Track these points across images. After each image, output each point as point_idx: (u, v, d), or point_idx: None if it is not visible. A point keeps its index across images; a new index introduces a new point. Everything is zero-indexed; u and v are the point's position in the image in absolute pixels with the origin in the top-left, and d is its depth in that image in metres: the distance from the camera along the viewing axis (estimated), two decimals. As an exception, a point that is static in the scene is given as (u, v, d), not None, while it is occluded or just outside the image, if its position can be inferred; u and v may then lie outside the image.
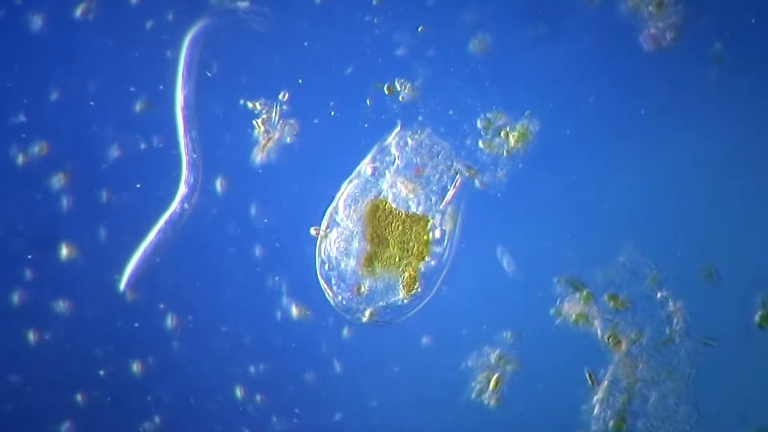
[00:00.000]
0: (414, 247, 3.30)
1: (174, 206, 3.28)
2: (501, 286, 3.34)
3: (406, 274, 3.30)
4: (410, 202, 3.31)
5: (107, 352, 3.33)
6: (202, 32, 3.25)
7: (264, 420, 3.36)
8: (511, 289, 3.33)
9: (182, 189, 3.28)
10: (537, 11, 3.32)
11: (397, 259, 3.30)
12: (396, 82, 3.29)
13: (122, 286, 3.28)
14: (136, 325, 3.32)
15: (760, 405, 3.28)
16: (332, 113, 3.30)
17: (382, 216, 3.31)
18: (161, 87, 3.29)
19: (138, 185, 3.30)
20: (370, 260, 3.30)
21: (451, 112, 3.30)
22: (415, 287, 3.30)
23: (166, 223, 3.28)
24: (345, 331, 3.35)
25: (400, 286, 3.30)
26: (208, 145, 3.32)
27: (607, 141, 3.35)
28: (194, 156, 3.27)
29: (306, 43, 3.31)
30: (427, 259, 3.30)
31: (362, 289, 3.30)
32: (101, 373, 3.32)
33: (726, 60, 3.29)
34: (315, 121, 3.32)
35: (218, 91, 3.32)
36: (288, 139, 3.30)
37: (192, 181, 3.27)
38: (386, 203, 3.31)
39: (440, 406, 3.34)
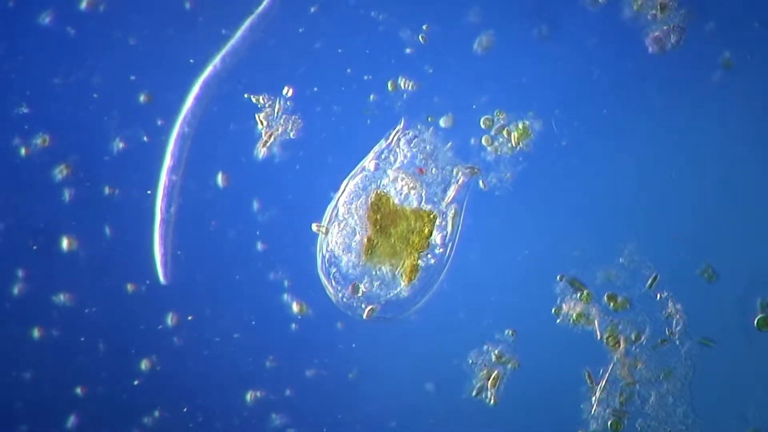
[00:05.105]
0: (415, 238, 3.30)
1: (163, 180, 3.27)
2: (502, 284, 3.35)
3: (407, 263, 3.30)
4: (412, 197, 3.31)
5: (109, 347, 3.33)
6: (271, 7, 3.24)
7: (263, 416, 3.36)
8: (512, 287, 3.34)
9: (168, 161, 3.25)
10: (541, 12, 3.33)
11: (397, 249, 3.30)
12: (400, 80, 3.29)
13: (163, 279, 3.29)
14: (138, 322, 3.32)
15: (758, 406, 3.31)
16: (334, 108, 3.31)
17: (383, 209, 3.31)
18: (166, 80, 3.29)
19: (148, 192, 3.30)
20: (371, 250, 3.29)
21: (454, 111, 3.31)
22: (415, 277, 3.30)
23: (162, 199, 3.27)
24: (345, 328, 3.35)
25: (400, 277, 3.30)
26: (210, 139, 3.32)
27: (609, 142, 3.36)
28: (186, 129, 3.24)
29: (307, 36, 3.32)
30: (427, 250, 3.30)
31: (360, 290, 3.30)
32: (105, 368, 3.33)
33: (731, 62, 3.31)
34: (318, 114, 3.32)
35: (221, 85, 3.32)
36: (291, 135, 3.30)
37: (177, 153, 3.25)
38: (388, 197, 3.31)
39: (440, 403, 3.35)
